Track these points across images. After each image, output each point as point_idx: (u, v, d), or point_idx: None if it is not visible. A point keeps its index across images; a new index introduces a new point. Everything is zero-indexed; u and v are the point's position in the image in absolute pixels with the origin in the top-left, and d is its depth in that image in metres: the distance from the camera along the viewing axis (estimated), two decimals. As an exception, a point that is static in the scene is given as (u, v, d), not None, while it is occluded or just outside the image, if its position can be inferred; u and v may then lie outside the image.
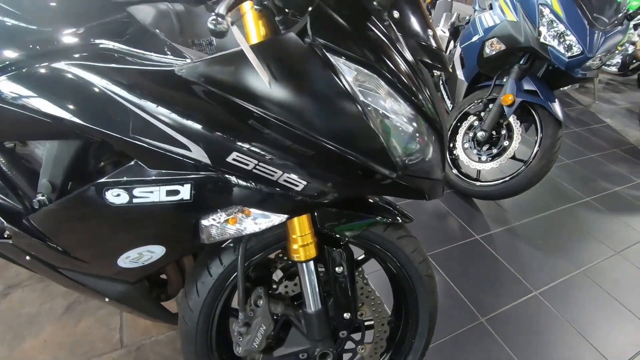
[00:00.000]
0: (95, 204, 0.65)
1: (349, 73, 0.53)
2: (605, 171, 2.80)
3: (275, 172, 0.60)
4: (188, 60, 0.55)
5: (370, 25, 0.56)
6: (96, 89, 0.59)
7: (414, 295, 1.00)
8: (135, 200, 0.62)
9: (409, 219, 0.92)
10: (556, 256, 1.92)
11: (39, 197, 0.76)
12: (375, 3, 0.50)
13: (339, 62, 0.53)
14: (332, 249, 0.82)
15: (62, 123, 0.61)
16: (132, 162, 0.62)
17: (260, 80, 0.52)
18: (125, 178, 0.61)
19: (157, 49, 0.61)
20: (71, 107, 0.60)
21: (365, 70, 0.54)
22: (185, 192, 0.60)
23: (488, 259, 1.85)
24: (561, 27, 1.69)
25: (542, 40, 1.75)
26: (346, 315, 0.87)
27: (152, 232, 0.67)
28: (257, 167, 0.59)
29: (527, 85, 1.93)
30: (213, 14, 0.45)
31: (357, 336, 1.01)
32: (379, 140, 0.57)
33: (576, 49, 1.68)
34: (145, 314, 0.96)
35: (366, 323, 1.01)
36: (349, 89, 0.54)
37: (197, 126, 0.57)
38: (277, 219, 0.65)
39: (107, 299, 0.88)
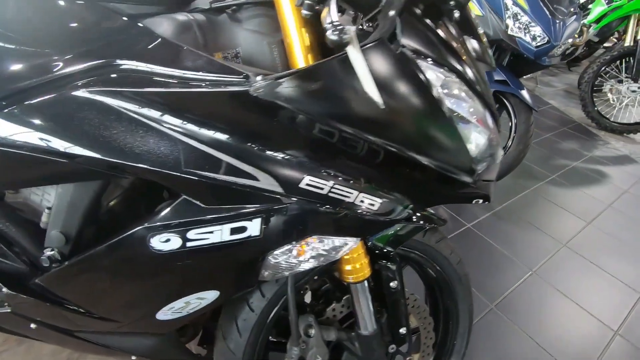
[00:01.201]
0: (136, 254, 0.55)
1: (436, 79, 0.49)
2: (561, 149, 3.03)
3: (351, 193, 0.54)
4: (258, 78, 0.47)
5: (445, 25, 0.52)
6: (131, 120, 0.49)
7: (452, 296, 0.99)
8: (190, 244, 0.53)
9: (444, 221, 0.90)
10: (540, 234, 2.04)
11: (48, 252, 0.63)
12: (452, 3, 0.47)
13: (427, 68, 0.49)
14: (385, 264, 0.78)
15: (88, 162, 0.50)
16: (179, 200, 0.53)
17: (348, 92, 0.47)
18: (176, 220, 0.52)
19: (195, 65, 0.53)
20: (100, 143, 0.50)
21: (449, 74, 0.51)
22: (254, 227, 0.52)
23: (483, 245, 1.91)
24: (526, 19, 1.79)
25: (509, 32, 1.83)
26: (402, 331, 0.83)
27: (208, 277, 0.58)
28: (333, 189, 0.53)
29: (497, 76, 2.02)
30: (330, 24, 0.39)
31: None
32: (463, 146, 0.54)
33: (542, 39, 1.78)
34: (174, 364, 0.85)
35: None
36: (438, 95, 0.50)
37: (267, 152, 0.50)
38: (347, 243, 0.59)
39: (133, 358, 0.76)
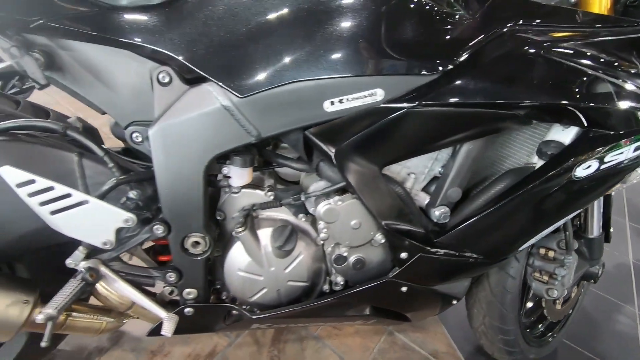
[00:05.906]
0: (558, 184, 0.66)
1: None
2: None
3: None
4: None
5: None
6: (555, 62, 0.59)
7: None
8: (602, 166, 0.66)
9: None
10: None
11: (441, 210, 0.69)
12: None
13: None
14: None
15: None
16: (595, 132, 0.63)
17: None
18: (600, 147, 0.64)
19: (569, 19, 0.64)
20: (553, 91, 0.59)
21: None
22: None
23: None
24: None
25: None
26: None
27: (587, 196, 0.71)
28: None
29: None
30: None
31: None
32: None
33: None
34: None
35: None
36: None
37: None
38: None
39: (454, 302, 0.86)
